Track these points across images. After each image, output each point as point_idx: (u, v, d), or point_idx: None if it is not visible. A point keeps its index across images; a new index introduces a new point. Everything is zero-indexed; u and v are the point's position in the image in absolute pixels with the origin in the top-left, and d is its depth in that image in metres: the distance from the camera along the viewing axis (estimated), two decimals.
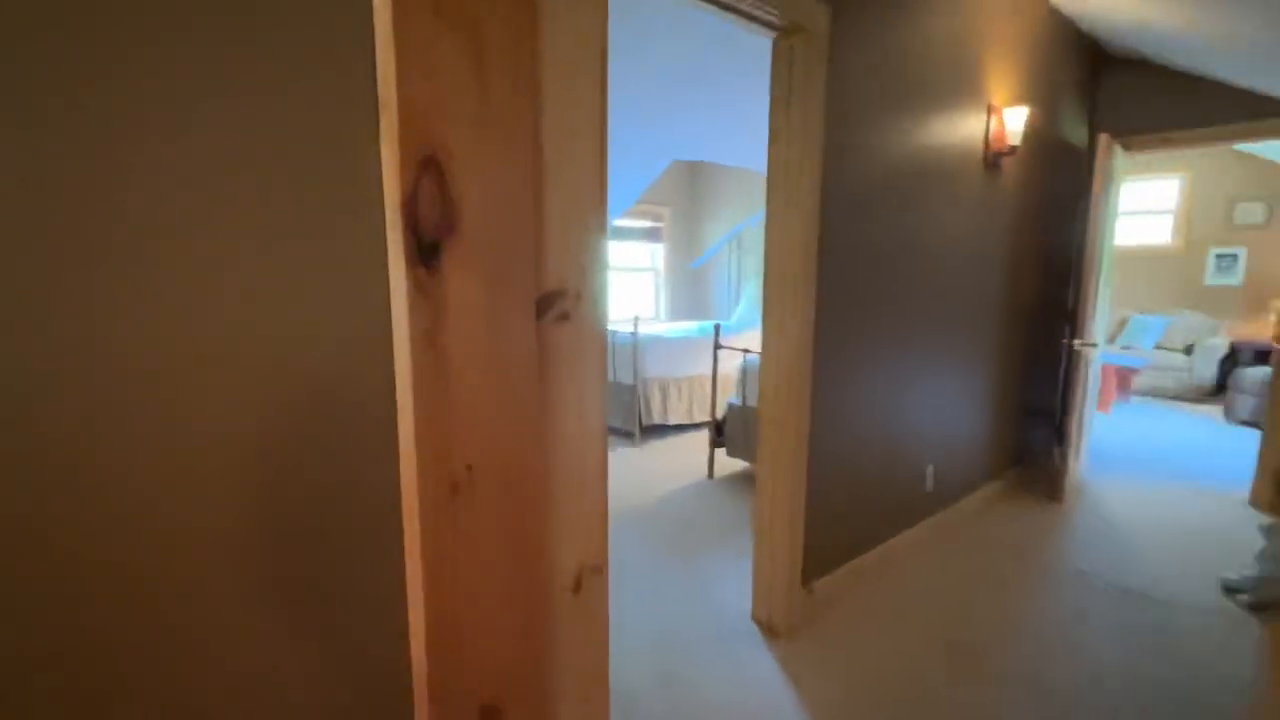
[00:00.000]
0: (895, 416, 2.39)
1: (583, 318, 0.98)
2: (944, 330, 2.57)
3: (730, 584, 2.39)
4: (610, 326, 5.15)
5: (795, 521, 1.97)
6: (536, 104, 0.87)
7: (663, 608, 2.23)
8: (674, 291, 7.16)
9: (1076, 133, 3.36)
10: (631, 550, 2.73)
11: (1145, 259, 6.70)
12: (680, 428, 4.85)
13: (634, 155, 4.73)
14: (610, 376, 4.75)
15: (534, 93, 0.87)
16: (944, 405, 2.68)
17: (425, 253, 0.79)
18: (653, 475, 3.78)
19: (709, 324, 5.99)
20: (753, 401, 3.44)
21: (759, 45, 3.49)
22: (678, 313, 7.20)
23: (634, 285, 6.96)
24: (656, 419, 4.57)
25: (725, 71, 3.85)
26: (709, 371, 4.81)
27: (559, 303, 0.96)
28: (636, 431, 4.45)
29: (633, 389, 4.44)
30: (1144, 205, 6.69)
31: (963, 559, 2.60)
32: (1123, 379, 5.82)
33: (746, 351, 3.47)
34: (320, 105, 0.75)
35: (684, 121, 4.45)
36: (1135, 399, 6.14)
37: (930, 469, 2.63)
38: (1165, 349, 6.27)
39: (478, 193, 0.82)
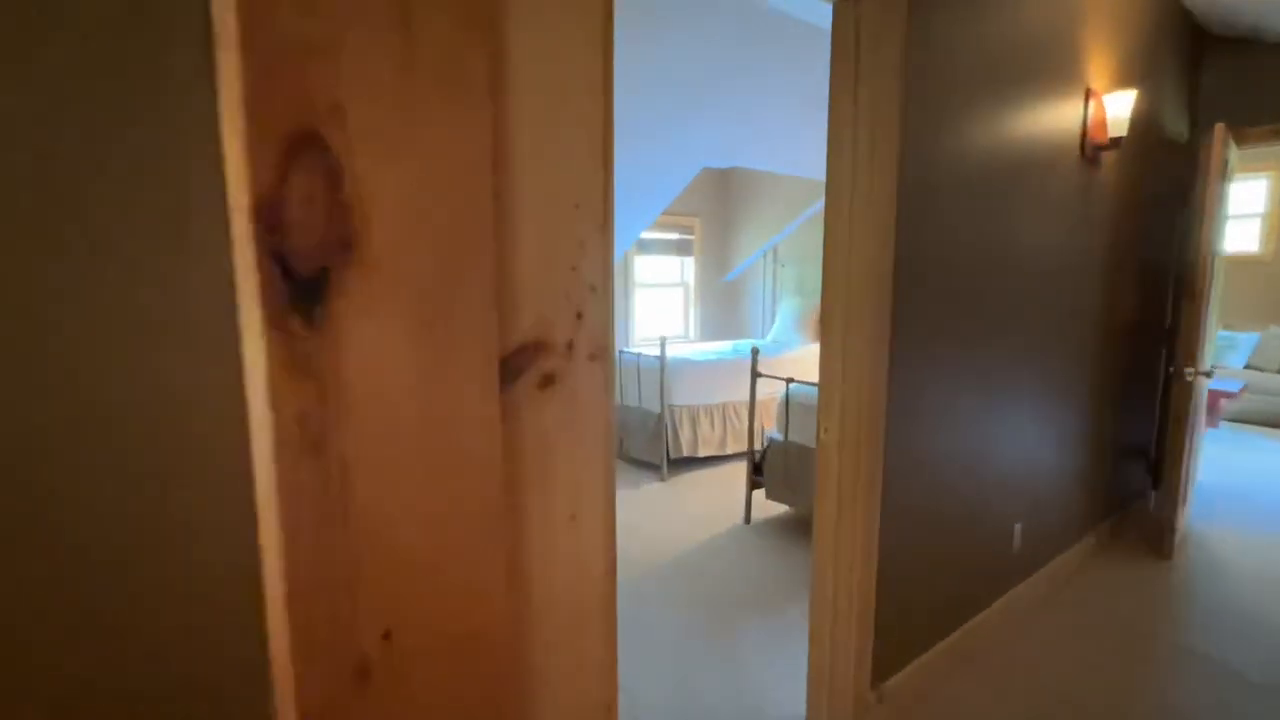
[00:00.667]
0: (978, 464, 2.02)
1: (578, 380, 0.66)
2: (1031, 357, 2.19)
3: (777, 671, 2.02)
4: (634, 349, 4.83)
5: (863, 607, 1.61)
6: (497, 43, 0.56)
7: (692, 703, 1.88)
8: (705, 308, 6.82)
9: (1176, 125, 2.96)
10: (654, 621, 2.38)
11: (1230, 268, 6.15)
12: (712, 460, 4.49)
13: (660, 161, 4.43)
14: (635, 403, 4.42)
15: (491, 27, 0.56)
16: (1032, 447, 2.29)
17: (301, 293, 0.46)
18: (681, 519, 3.43)
19: (743, 343, 5.64)
20: (796, 437, 3.07)
21: (796, 35, 3.18)
22: (709, 331, 6.86)
23: (662, 302, 6.65)
24: (686, 451, 4.22)
25: (758, 69, 3.55)
26: (744, 398, 4.45)
27: (540, 360, 0.63)
28: (664, 465, 4.11)
29: (659, 418, 4.11)
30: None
31: (1064, 642, 2.19)
32: (1212, 404, 5.29)
33: (790, 381, 3.11)
34: (107, 44, 0.44)
35: (715, 124, 4.14)
36: (1225, 425, 5.59)
37: (1018, 527, 2.24)
38: (1258, 369, 5.71)
39: (397, 190, 0.50)
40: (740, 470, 4.11)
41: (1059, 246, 2.21)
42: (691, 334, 6.78)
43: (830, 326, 1.51)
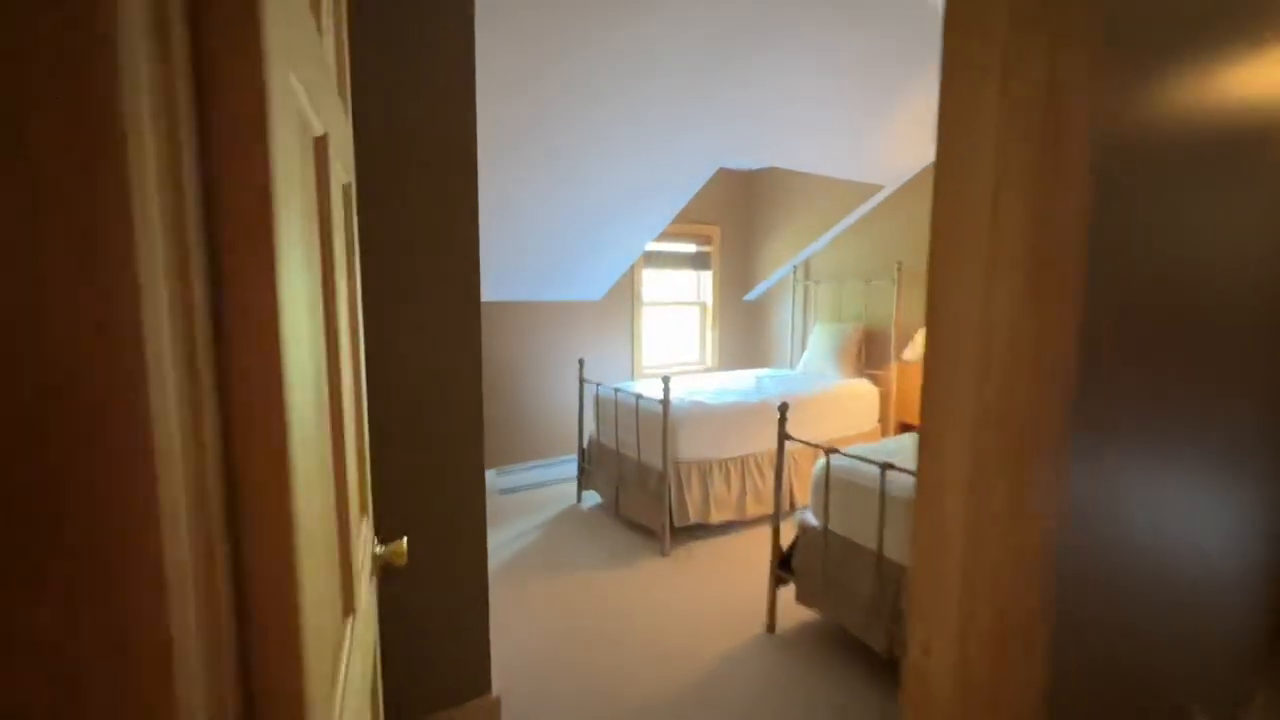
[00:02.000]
0: (1156, 630, 1.28)
1: None
2: (1245, 457, 1.44)
3: None
4: (635, 385, 4.12)
5: None
6: None
7: None
8: (724, 331, 6.11)
9: None
10: None
11: None
12: (728, 526, 3.77)
13: (666, 160, 3.75)
14: (633, 453, 3.72)
15: None
16: (1217, 584, 1.54)
17: None
18: (685, 618, 2.71)
19: (768, 375, 4.91)
20: (839, 526, 2.35)
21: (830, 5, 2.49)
22: (728, 358, 6.14)
23: (675, 321, 5.95)
24: (694, 517, 3.50)
25: (781, 44, 2.84)
26: (768, 447, 3.73)
27: None
28: (666, 535, 3.39)
29: (661, 476, 3.40)
30: None
31: None
32: None
33: (830, 451, 2.38)
34: None
35: (730, 115, 3.44)
36: None
37: None
38: None
39: None
40: (763, 539, 3.38)
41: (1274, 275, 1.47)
42: (709, 360, 6.06)
43: (934, 472, 0.80)
